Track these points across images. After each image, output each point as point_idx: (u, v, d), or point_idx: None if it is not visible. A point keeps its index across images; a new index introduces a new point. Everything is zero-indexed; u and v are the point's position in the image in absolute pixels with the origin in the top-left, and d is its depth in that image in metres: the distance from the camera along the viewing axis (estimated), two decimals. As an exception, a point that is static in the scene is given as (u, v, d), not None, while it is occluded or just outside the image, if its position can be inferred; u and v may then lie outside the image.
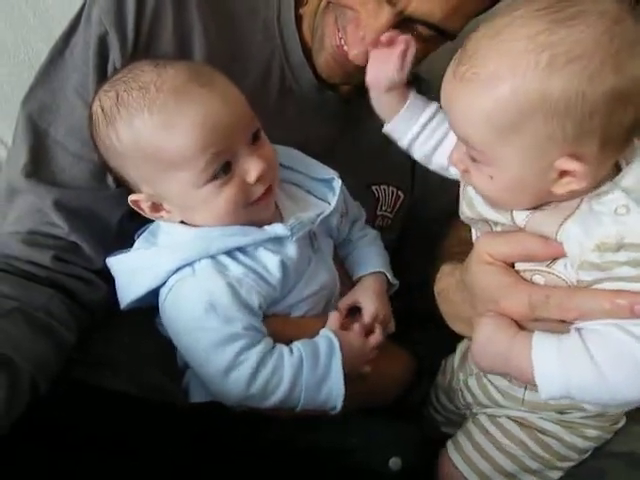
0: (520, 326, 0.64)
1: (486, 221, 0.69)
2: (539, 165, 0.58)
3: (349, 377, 0.72)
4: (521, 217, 0.64)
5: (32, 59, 1.05)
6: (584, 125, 0.55)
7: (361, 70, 0.83)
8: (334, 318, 0.77)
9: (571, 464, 0.78)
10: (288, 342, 0.73)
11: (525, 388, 0.75)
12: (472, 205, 0.69)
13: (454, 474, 0.81)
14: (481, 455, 0.79)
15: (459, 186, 0.98)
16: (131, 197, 0.74)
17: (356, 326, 0.78)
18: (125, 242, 0.77)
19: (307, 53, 0.90)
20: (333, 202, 0.80)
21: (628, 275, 0.57)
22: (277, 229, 0.73)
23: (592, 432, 0.76)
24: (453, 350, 0.90)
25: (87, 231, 0.79)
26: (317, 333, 0.75)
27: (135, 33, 0.80)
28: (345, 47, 0.82)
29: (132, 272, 0.74)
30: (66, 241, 0.78)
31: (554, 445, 0.77)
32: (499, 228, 0.68)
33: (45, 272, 0.77)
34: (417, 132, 0.74)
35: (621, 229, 0.56)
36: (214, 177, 0.70)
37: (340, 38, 0.82)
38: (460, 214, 0.73)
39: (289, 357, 0.71)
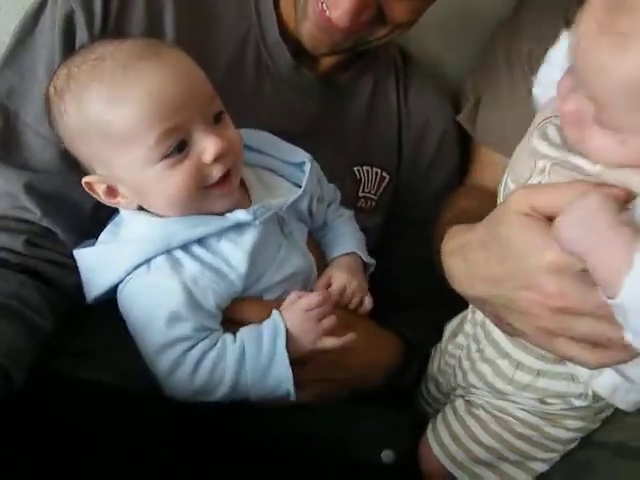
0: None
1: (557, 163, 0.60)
2: None
3: (312, 353, 0.71)
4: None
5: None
6: None
7: (347, 36, 0.81)
8: (290, 298, 0.73)
9: (555, 455, 0.76)
10: None
11: (516, 367, 0.72)
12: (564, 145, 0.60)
13: (432, 460, 0.79)
14: (457, 445, 0.77)
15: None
16: (85, 179, 0.71)
17: (302, 300, 0.72)
18: (100, 228, 0.75)
19: (283, 31, 0.87)
20: (302, 186, 0.77)
21: None
22: (239, 215, 0.71)
23: (575, 423, 0.74)
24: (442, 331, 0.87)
25: (60, 216, 0.77)
26: None
27: (103, 11, 0.77)
28: (327, 12, 0.79)
29: (93, 269, 0.72)
30: (39, 226, 0.77)
31: (534, 437, 0.74)
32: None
33: (17, 258, 0.75)
34: None
35: None
36: (166, 155, 0.67)
37: (322, 3, 0.79)
38: (523, 148, 0.65)
39: (231, 346, 0.69)
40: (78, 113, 0.67)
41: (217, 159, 0.68)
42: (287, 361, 0.69)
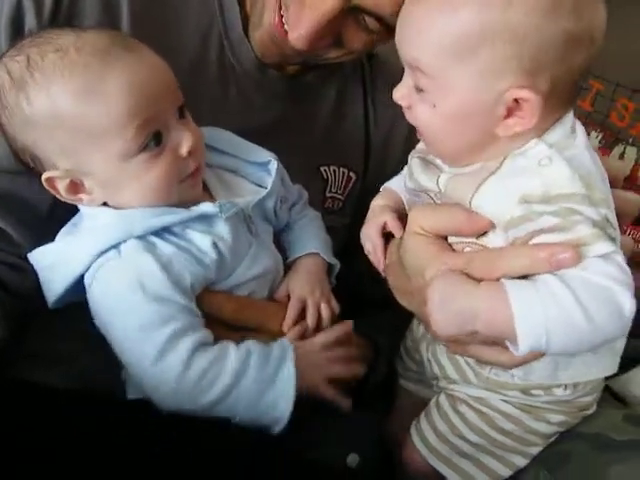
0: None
1: (425, 192, 0.68)
2: (490, 92, 0.58)
3: (308, 394, 0.69)
4: (444, 180, 0.64)
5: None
6: (540, 58, 0.56)
7: (300, 54, 0.80)
8: (294, 330, 0.74)
9: (537, 449, 0.75)
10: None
11: (491, 368, 0.72)
12: (412, 175, 0.70)
13: (417, 458, 0.78)
14: (442, 441, 0.76)
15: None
16: (45, 174, 0.67)
17: (317, 339, 0.74)
18: (59, 229, 0.71)
19: (247, 28, 0.85)
20: (269, 185, 0.76)
21: (549, 225, 0.55)
22: (205, 207, 0.69)
23: (556, 417, 0.73)
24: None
25: (13, 216, 0.74)
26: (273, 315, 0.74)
27: (54, 1, 0.75)
28: (286, 26, 0.78)
29: (52, 266, 0.68)
30: None
31: (516, 431, 0.73)
32: (439, 201, 0.67)
33: None
34: None
35: (545, 181, 0.56)
36: (144, 148, 0.65)
37: (281, 16, 0.78)
38: (404, 187, 0.73)
39: (235, 349, 0.67)
40: (46, 106, 0.63)
41: (190, 153, 0.67)
42: (294, 384, 0.67)
